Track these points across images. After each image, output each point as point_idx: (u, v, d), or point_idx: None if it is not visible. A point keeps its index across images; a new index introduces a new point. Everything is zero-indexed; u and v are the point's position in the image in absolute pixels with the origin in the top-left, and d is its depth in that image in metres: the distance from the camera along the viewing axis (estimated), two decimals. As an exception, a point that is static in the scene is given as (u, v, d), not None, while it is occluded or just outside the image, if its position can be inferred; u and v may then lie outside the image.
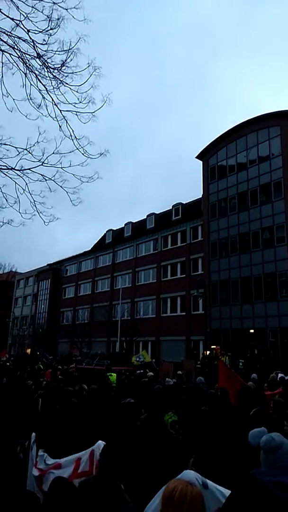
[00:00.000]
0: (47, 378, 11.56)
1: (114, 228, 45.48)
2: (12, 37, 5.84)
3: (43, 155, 6.66)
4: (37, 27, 5.80)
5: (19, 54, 5.97)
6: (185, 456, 3.04)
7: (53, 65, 6.18)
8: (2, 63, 6.01)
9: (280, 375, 13.86)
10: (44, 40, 6.07)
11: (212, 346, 25.92)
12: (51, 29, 5.79)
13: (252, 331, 25.12)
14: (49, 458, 3.45)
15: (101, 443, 3.01)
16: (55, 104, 6.69)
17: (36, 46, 5.96)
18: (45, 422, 4.12)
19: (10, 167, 6.57)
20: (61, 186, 7.40)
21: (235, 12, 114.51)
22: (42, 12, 5.91)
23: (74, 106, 6.50)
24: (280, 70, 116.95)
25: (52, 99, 6.64)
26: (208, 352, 24.75)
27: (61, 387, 6.90)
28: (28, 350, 42.07)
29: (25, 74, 6.20)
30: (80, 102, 6.23)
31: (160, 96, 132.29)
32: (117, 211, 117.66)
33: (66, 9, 6.43)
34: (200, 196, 32.50)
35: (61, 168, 7.15)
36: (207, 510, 2.18)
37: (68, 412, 4.26)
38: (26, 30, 5.70)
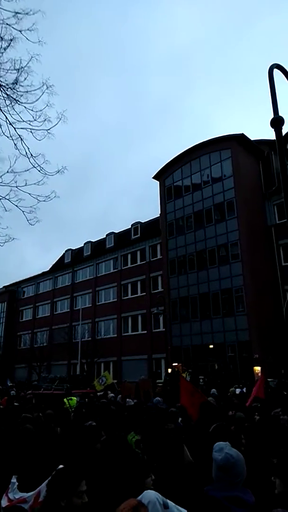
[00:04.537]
0: (4, 405, 10.95)
1: (73, 248, 44.94)
2: None
3: (-4, 174, 6.54)
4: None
5: None
6: (145, 476, 3.00)
7: (6, 84, 6.17)
8: None
9: (238, 390, 14.15)
10: (-4, 60, 6.06)
11: (174, 364, 25.98)
12: (2, 48, 5.79)
13: (211, 346, 25.53)
14: (17, 491, 3.31)
15: (60, 467, 2.91)
16: (10, 123, 6.64)
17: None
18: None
19: None
20: (16, 206, 7.27)
21: (209, 46, 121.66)
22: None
23: (29, 124, 6.50)
24: (243, 96, 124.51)
25: (6, 118, 6.59)
26: (170, 370, 24.72)
27: (16, 414, 6.56)
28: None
29: (-22, 93, 6.13)
30: (35, 120, 6.24)
31: (134, 122, 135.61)
32: (89, 231, 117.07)
33: (20, 31, 6.50)
34: (158, 215, 33.16)
35: (16, 187, 7.05)
36: None
37: (22, 439, 4.05)
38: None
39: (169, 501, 2.35)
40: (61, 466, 2.93)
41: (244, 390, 14.09)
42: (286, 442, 4.34)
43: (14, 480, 3.42)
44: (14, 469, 3.48)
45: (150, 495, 2.33)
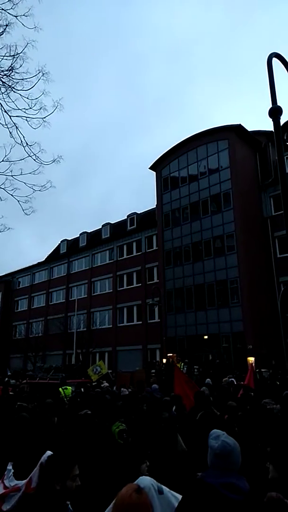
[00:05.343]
0: (-1, 395, 11.00)
1: (69, 238, 44.80)
2: None
3: (-9, 162, 6.48)
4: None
5: None
6: (140, 463, 3.04)
7: (2, 70, 6.06)
8: None
9: (231, 379, 14.30)
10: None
11: (169, 354, 26.17)
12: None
13: (206, 337, 25.72)
14: (13, 479, 3.35)
15: (49, 453, 2.94)
16: (5, 111, 6.55)
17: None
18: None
19: None
20: (11, 195, 7.22)
21: (210, 40, 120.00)
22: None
23: (25, 112, 6.41)
24: (242, 88, 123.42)
25: (2, 106, 6.49)
26: (164, 360, 24.92)
27: (11, 403, 6.59)
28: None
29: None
30: (30, 108, 6.16)
31: (134, 113, 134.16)
32: (87, 222, 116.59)
33: (16, 16, 6.36)
34: (154, 206, 33.05)
35: (12, 176, 6.98)
36: None
37: (18, 427, 4.09)
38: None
39: (163, 487, 2.39)
40: (49, 452, 2.98)
41: (234, 380, 14.22)
42: (278, 430, 4.41)
43: (10, 467, 3.46)
44: (10, 456, 3.51)
45: (145, 481, 2.36)
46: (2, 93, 6.19)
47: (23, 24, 6.14)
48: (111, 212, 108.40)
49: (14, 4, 6.06)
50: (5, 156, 6.74)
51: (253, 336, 23.22)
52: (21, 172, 6.81)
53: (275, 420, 5.28)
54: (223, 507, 1.92)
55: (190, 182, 29.29)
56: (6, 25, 6.12)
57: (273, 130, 4.93)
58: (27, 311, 45.82)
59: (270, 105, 4.67)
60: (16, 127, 6.51)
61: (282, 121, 4.90)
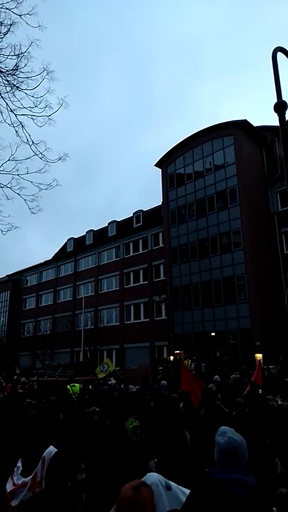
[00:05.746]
0: (8, 392, 11.12)
1: (76, 237, 44.97)
2: None
3: (-3, 162, 6.52)
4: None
5: None
6: (148, 459, 3.06)
7: (7, 70, 6.09)
8: None
9: (237, 376, 14.29)
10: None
11: (176, 351, 26.19)
12: (1, 33, 5.70)
13: (213, 334, 25.67)
14: (20, 477, 3.39)
15: (52, 449, 2.98)
16: (10, 110, 6.57)
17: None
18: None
19: None
20: (18, 194, 7.26)
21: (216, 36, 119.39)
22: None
23: (30, 110, 6.44)
24: (248, 83, 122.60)
25: (7, 105, 6.52)
26: (172, 358, 24.95)
27: (20, 400, 6.66)
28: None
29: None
30: (35, 106, 6.18)
31: (141, 111, 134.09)
32: (95, 221, 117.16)
33: (20, 15, 6.38)
34: (160, 203, 32.99)
35: (18, 175, 7.02)
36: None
37: (25, 424, 4.13)
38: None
39: (171, 483, 2.40)
40: (51, 447, 3.01)
41: (239, 377, 14.20)
42: (286, 426, 4.40)
43: (19, 464, 3.51)
44: (19, 454, 3.56)
45: (152, 477, 2.37)
46: (8, 92, 6.22)
47: (27, 23, 6.16)
48: (117, 210, 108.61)
49: (18, 3, 6.07)
50: (11, 155, 6.79)
51: (260, 333, 23.12)
52: (27, 171, 6.85)
53: (283, 416, 5.27)
54: (230, 502, 1.93)
55: (196, 179, 29.16)
56: (10, 25, 6.13)
57: (278, 125, 4.89)
58: (35, 309, 46.14)
59: (276, 100, 4.63)
60: (22, 126, 6.54)
61: (287, 116, 4.86)
